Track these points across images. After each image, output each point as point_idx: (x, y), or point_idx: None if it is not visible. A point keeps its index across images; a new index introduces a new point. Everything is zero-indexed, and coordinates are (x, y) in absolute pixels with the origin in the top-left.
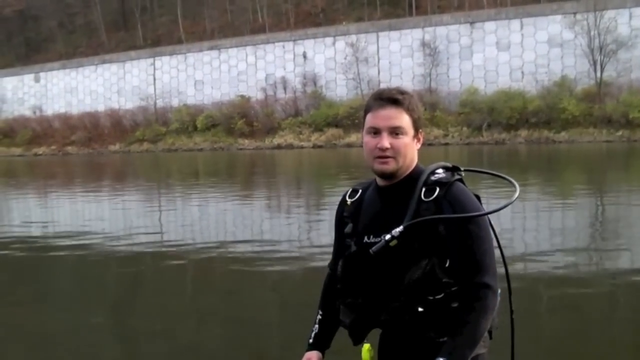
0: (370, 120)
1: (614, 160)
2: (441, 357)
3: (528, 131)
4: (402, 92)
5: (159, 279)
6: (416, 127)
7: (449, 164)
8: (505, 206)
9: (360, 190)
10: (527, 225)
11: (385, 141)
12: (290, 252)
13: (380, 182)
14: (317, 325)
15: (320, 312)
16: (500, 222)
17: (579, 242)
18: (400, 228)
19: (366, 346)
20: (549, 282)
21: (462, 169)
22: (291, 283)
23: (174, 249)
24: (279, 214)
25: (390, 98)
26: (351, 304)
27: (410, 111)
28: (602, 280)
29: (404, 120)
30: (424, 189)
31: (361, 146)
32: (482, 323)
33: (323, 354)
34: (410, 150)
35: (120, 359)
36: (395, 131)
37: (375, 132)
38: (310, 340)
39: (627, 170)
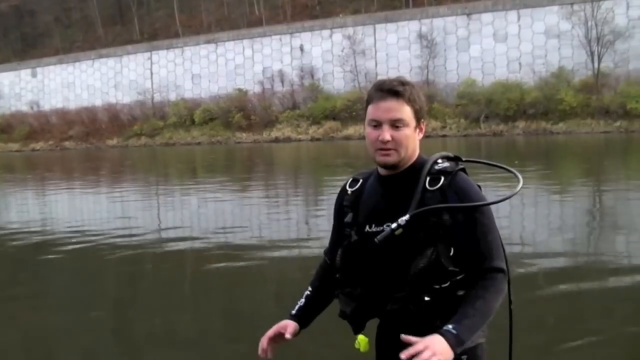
0: (371, 112)
1: (612, 151)
2: (451, 324)
3: (526, 122)
4: (404, 83)
5: (158, 274)
6: (418, 117)
7: (450, 154)
8: (510, 196)
9: (361, 180)
10: (525, 215)
11: (387, 134)
12: (289, 245)
13: (382, 171)
14: (303, 300)
15: (310, 289)
16: (498, 213)
17: (577, 232)
18: (407, 217)
19: (363, 338)
20: (547, 271)
21: (463, 159)
22: (290, 276)
23: (172, 243)
24: (278, 207)
25: (391, 90)
26: (350, 294)
27: (411, 102)
28: (600, 269)
29: (405, 112)
30: (428, 178)
31: (359, 139)
32: (493, 300)
33: (300, 328)
34: (412, 142)
35: (120, 354)
36: (396, 123)
37: (377, 124)
38: (293, 312)
39: (625, 161)
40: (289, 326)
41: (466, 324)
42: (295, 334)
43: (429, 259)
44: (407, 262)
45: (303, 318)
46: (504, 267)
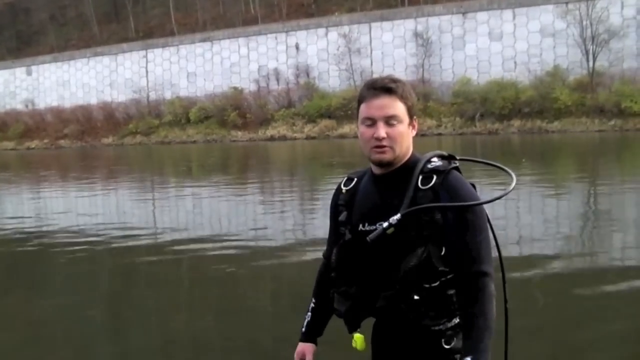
0: (364, 110)
1: (607, 150)
2: (468, 356)
3: (521, 121)
4: (395, 80)
5: (153, 271)
6: (410, 114)
7: (444, 153)
8: (503, 195)
9: (356, 179)
10: (521, 213)
11: (382, 131)
12: (285, 242)
13: (376, 170)
14: (309, 314)
15: (314, 300)
16: (494, 210)
17: (572, 230)
18: (398, 216)
19: (360, 336)
20: (542, 269)
21: (457, 157)
22: (285, 274)
23: (168, 240)
24: (273, 205)
25: (383, 87)
26: (345, 293)
27: (404, 99)
28: (594, 266)
29: (399, 108)
30: (420, 177)
31: (354, 137)
32: (490, 310)
33: (316, 342)
34: (406, 139)
35: (114, 351)
36: (390, 120)
37: (371, 122)
38: (303, 329)
39: (620, 159)
40: (306, 352)
41: (481, 348)
42: (315, 352)
43: (419, 258)
44: (398, 261)
45: (314, 333)
46: (489, 270)
